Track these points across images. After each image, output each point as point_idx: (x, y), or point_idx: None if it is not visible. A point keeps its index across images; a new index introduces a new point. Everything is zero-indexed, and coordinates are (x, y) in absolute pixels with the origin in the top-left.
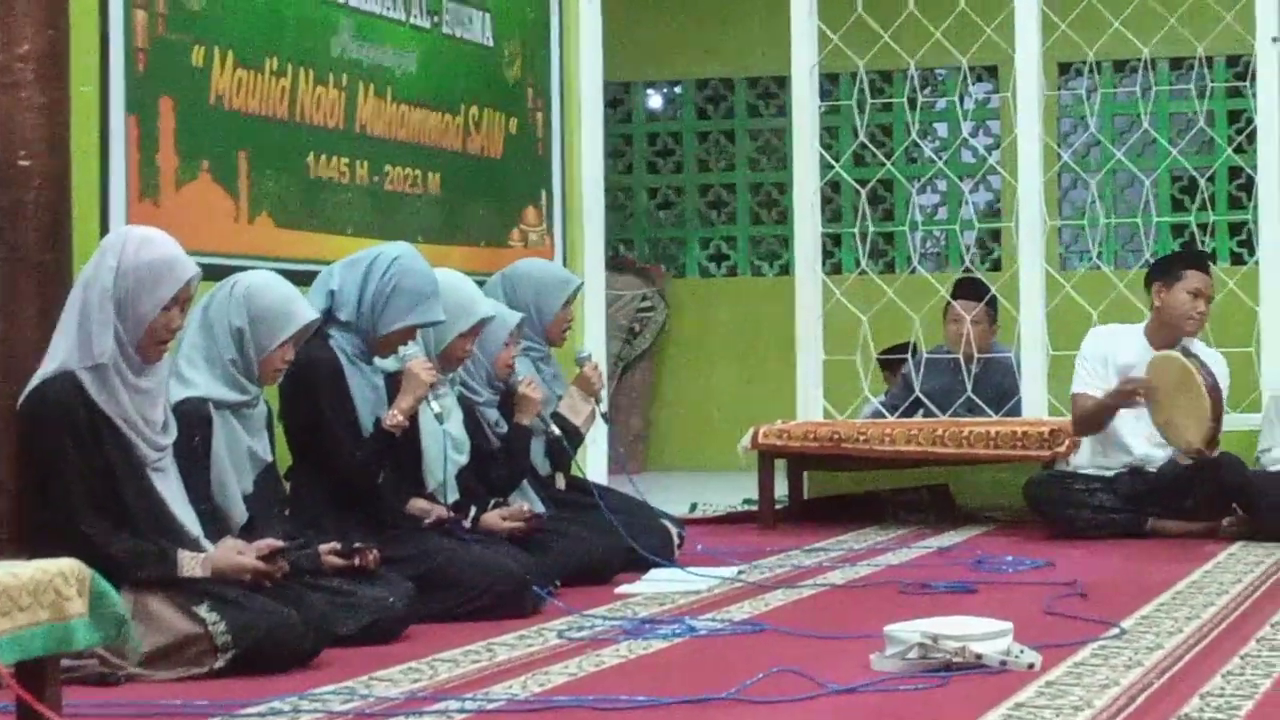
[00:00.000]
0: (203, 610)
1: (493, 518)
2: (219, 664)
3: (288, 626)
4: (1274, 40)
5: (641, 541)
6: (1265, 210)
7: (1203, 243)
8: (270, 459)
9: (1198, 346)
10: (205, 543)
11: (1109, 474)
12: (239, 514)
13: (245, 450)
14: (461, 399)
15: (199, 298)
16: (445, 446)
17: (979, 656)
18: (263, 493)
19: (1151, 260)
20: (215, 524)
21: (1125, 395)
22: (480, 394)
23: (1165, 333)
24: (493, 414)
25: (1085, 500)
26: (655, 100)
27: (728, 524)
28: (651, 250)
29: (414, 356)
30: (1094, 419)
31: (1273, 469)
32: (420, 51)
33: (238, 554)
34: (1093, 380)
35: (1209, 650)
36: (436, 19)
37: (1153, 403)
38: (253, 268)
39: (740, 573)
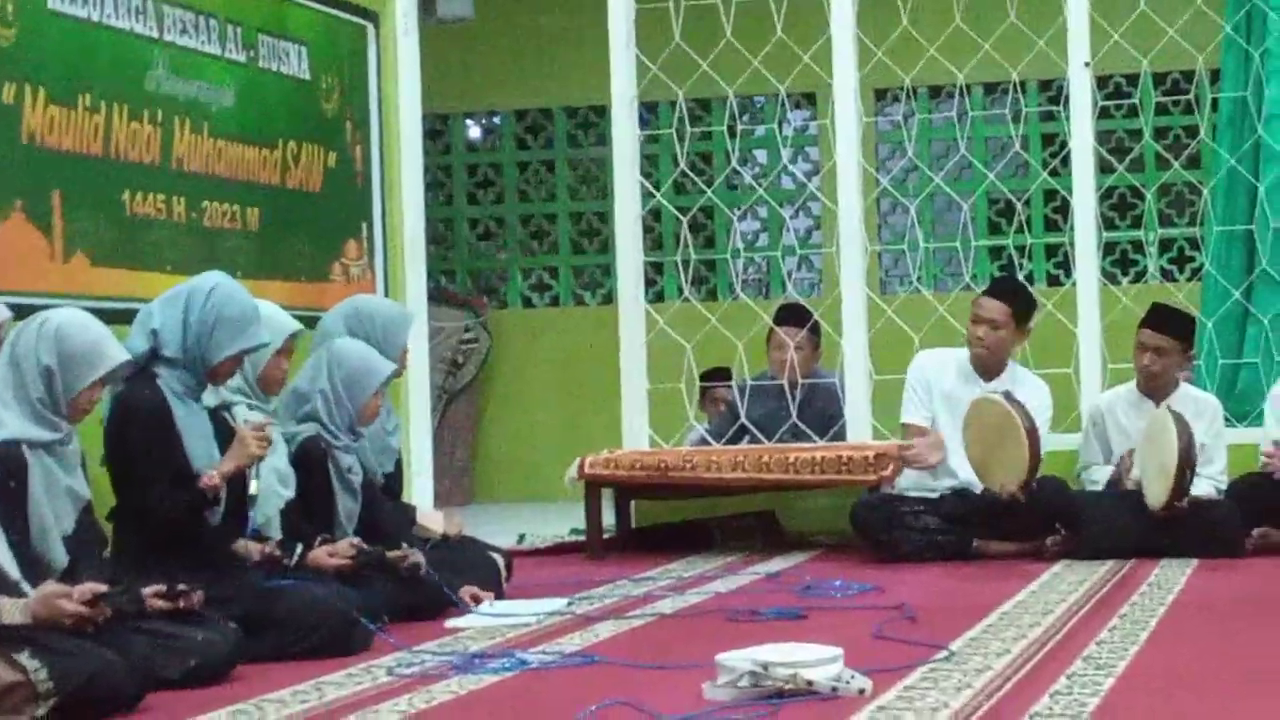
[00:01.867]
0: (24, 658)
1: (320, 555)
2: (40, 712)
3: (111, 671)
4: (1086, 65)
5: (469, 575)
6: (1081, 232)
7: (1020, 265)
8: (88, 497)
9: (1021, 373)
10: (26, 587)
11: (934, 496)
12: (59, 557)
13: (64, 489)
14: (317, 442)
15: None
16: (272, 482)
17: (810, 683)
18: (83, 533)
19: (970, 283)
20: (35, 568)
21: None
22: (339, 439)
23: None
24: (348, 459)
25: (911, 523)
26: (474, 131)
27: (556, 555)
28: (473, 281)
29: (254, 419)
30: None
31: (1092, 488)
32: (237, 86)
33: (59, 599)
34: (919, 409)
35: (1037, 670)
36: (253, 53)
37: (969, 441)
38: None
39: (569, 604)
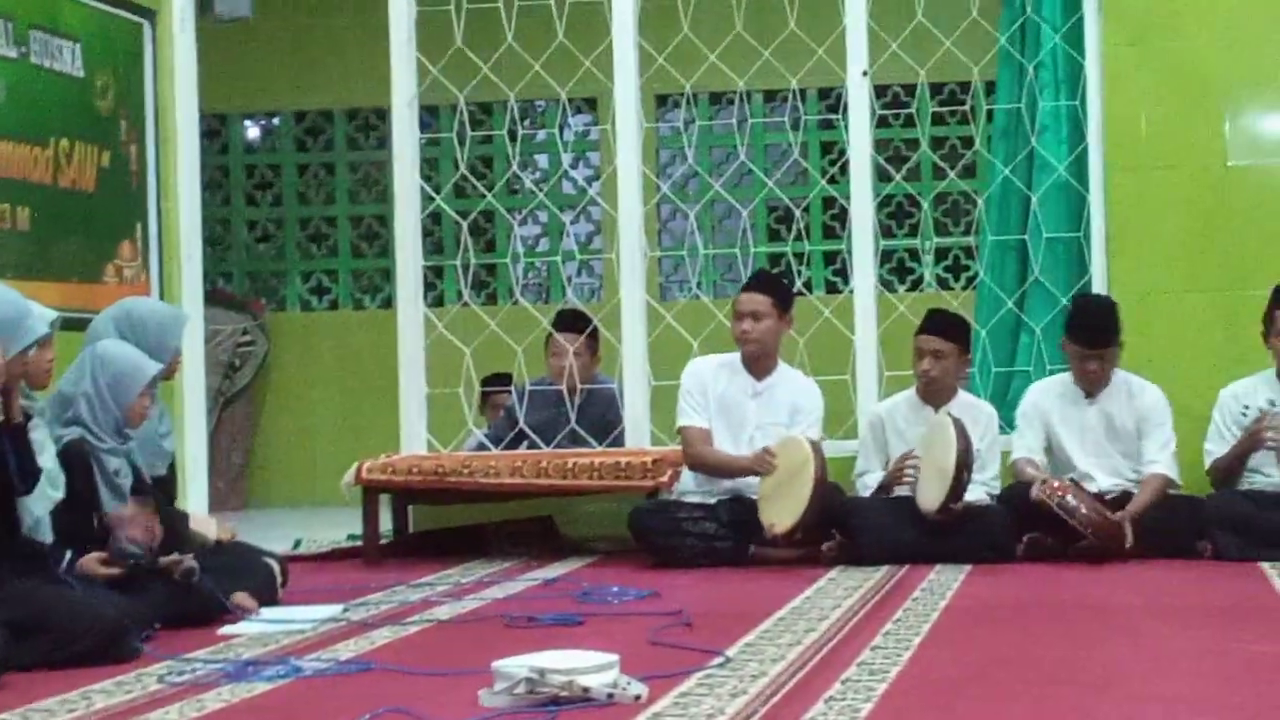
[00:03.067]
0: None
1: (90, 562)
2: None
3: None
4: (864, 74)
5: (243, 581)
6: (858, 240)
7: (798, 272)
8: None
9: (789, 372)
10: None
11: (711, 502)
12: None
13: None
14: (82, 445)
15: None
16: (41, 484)
17: (586, 690)
18: None
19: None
20: None
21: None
22: (105, 442)
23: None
24: (115, 462)
25: (689, 528)
26: (253, 132)
27: (332, 560)
28: (251, 284)
29: None
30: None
31: (865, 493)
32: (7, 83)
33: None
34: (698, 414)
35: (811, 675)
36: (24, 49)
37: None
38: None
39: (345, 610)
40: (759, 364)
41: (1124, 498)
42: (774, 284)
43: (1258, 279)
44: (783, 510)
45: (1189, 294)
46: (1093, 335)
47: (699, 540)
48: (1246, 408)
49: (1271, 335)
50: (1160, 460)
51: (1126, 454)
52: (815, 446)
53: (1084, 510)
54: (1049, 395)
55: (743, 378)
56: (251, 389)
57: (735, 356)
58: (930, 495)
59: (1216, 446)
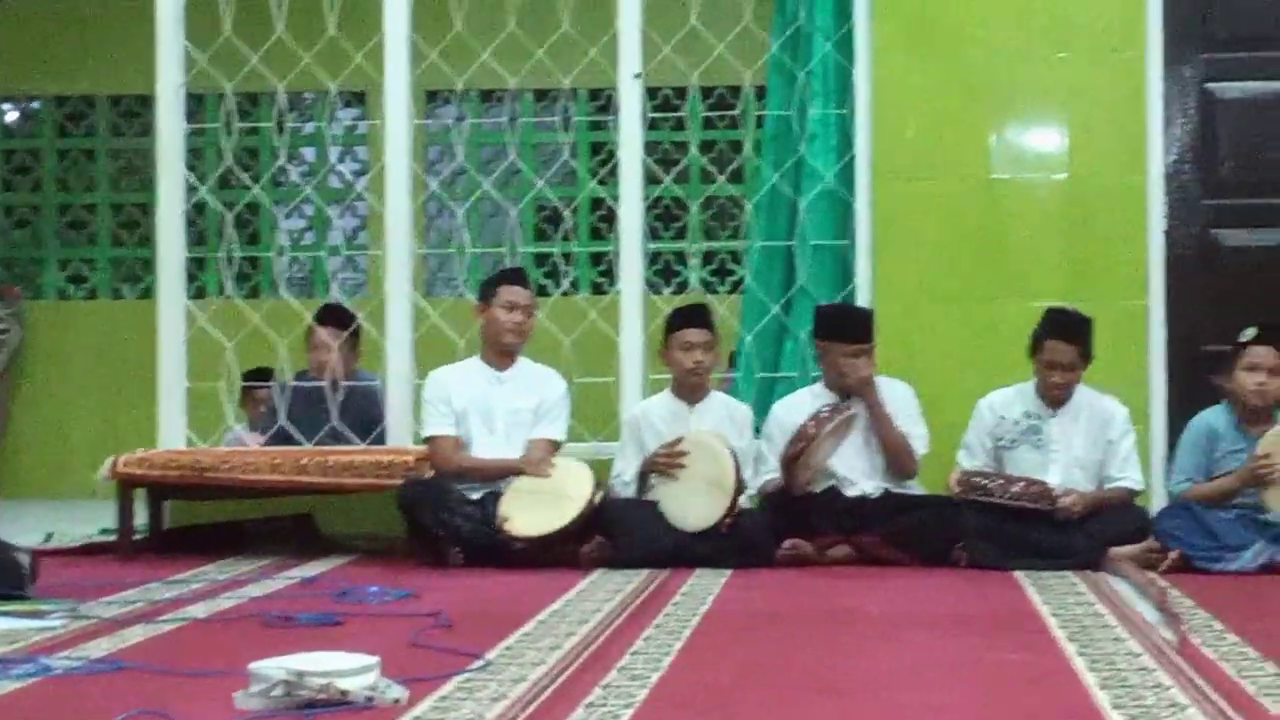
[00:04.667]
0: None
1: None
2: None
3: None
4: (636, 76)
5: None
6: (626, 242)
7: (565, 272)
8: None
9: (536, 368)
10: None
11: (477, 497)
12: None
13: None
14: None
15: None
16: None
17: (344, 693)
18: None
19: None
20: None
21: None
22: None
23: (488, 350)
24: None
25: (457, 508)
26: (12, 116)
27: (85, 555)
28: (6, 271)
29: None
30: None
31: (624, 494)
32: None
33: None
34: (444, 421)
35: (572, 680)
36: None
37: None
38: None
39: (76, 608)
40: (507, 358)
41: (888, 499)
42: (526, 276)
43: (1019, 291)
44: (541, 522)
45: (951, 304)
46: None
47: (466, 522)
48: (1002, 418)
49: (1037, 356)
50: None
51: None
52: (599, 483)
53: (1013, 488)
54: (815, 402)
55: (491, 377)
56: (4, 378)
57: (474, 359)
58: (701, 512)
59: (969, 456)
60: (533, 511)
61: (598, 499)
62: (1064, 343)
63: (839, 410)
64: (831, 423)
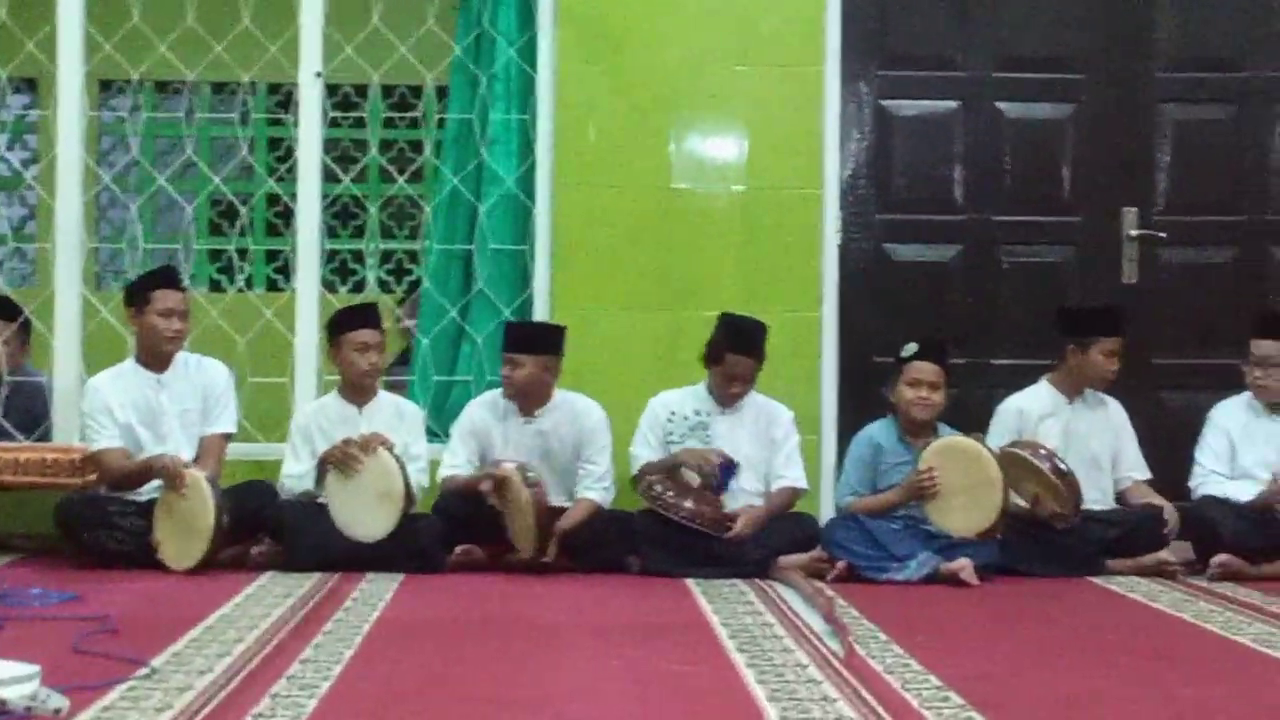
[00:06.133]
0: None
1: None
2: None
3: None
4: (317, 75)
5: None
6: (303, 239)
7: (240, 269)
8: None
9: (195, 362)
10: None
11: (141, 500)
12: None
13: None
14: None
15: None
16: None
17: (3, 703)
18: None
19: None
20: None
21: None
22: None
23: (144, 352)
24: None
25: (118, 522)
26: None
27: None
28: None
29: None
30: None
31: (297, 489)
32: None
33: None
34: (108, 433)
35: (240, 689)
36: None
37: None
38: None
39: None
40: (166, 361)
41: (557, 512)
42: (178, 278)
43: (695, 300)
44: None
45: (629, 312)
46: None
47: (128, 536)
48: (673, 414)
49: (715, 366)
50: (594, 489)
51: (565, 471)
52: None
53: (688, 505)
54: (492, 412)
55: (143, 375)
56: None
57: (130, 363)
58: (371, 525)
59: (642, 450)
60: (183, 540)
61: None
62: (745, 356)
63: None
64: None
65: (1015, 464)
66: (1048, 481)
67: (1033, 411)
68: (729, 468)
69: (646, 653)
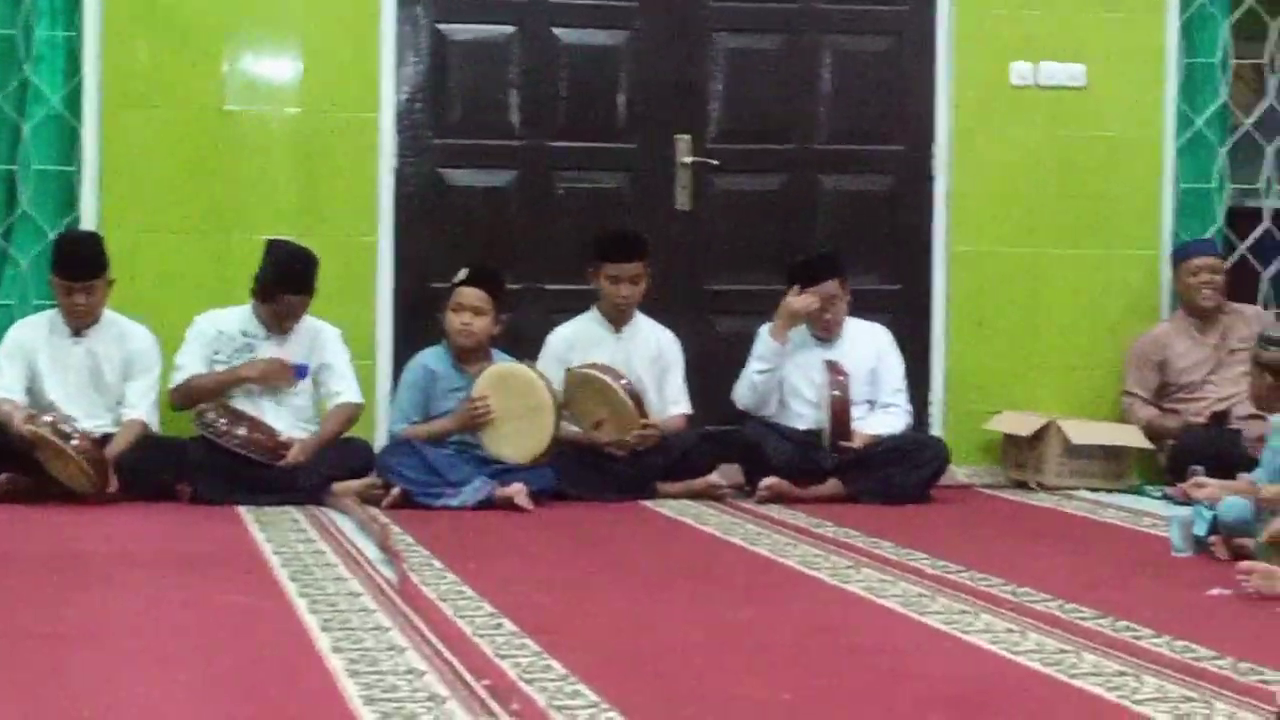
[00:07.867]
0: None
1: None
2: None
3: None
4: None
5: None
6: None
7: None
8: None
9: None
10: None
11: None
12: None
13: None
14: None
15: None
16: None
17: None
18: None
19: None
20: None
21: None
22: None
23: None
24: None
25: None
26: None
27: None
28: None
29: None
30: None
31: None
32: None
33: None
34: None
35: None
36: None
37: None
38: None
39: None
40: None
41: (105, 440)
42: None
43: (247, 223)
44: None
45: (181, 235)
46: (76, 268)
47: None
48: (220, 333)
49: (262, 299)
50: (140, 406)
51: (112, 392)
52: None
53: (242, 432)
54: (37, 332)
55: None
56: None
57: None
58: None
59: (186, 360)
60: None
61: None
62: (297, 295)
63: None
64: None
65: (585, 384)
66: (618, 400)
67: (579, 340)
68: (301, 370)
69: (199, 582)
